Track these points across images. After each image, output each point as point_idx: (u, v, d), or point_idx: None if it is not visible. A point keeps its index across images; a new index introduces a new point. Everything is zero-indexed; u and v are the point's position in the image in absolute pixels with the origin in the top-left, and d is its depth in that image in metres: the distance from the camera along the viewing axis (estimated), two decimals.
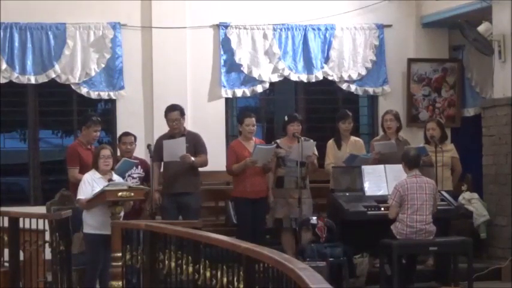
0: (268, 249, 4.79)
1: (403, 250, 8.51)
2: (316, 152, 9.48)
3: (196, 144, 9.25)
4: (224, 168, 9.60)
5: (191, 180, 9.21)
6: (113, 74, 10.80)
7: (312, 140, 9.39)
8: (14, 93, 10.90)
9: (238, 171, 9.24)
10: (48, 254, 7.93)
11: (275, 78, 11.26)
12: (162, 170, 9.29)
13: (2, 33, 10.48)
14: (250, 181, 9.21)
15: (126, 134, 9.50)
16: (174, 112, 9.24)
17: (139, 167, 9.27)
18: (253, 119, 9.43)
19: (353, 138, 9.81)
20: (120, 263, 7.09)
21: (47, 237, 7.94)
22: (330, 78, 11.38)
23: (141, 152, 9.77)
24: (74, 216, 8.12)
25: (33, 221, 7.75)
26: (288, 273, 4.10)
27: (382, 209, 8.79)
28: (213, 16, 11.15)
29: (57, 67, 10.62)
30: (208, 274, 5.60)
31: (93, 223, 8.08)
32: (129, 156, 9.17)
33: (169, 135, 9.25)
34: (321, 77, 11.35)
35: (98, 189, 7.98)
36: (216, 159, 9.92)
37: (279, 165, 9.35)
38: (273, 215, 9.32)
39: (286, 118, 9.52)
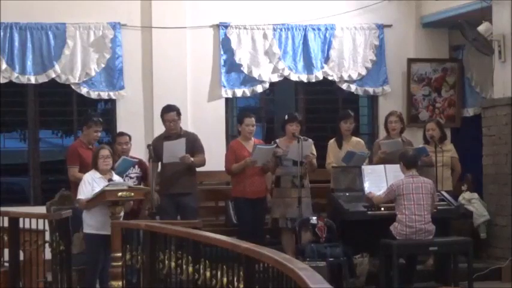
0: (268, 249, 4.79)
1: (403, 250, 8.52)
2: (314, 152, 9.47)
3: (193, 144, 9.26)
4: (224, 168, 9.59)
5: (189, 181, 9.23)
6: (113, 74, 10.79)
7: (310, 140, 9.38)
8: (14, 93, 10.90)
9: (237, 171, 9.24)
10: (48, 254, 7.94)
11: (275, 78, 11.26)
12: (159, 170, 9.28)
13: (2, 33, 10.47)
14: (249, 181, 9.21)
15: (121, 134, 9.52)
16: (171, 113, 9.24)
17: (136, 166, 9.27)
18: (253, 119, 9.44)
19: (354, 138, 9.82)
20: (120, 263, 7.09)
21: (47, 237, 7.95)
22: (330, 78, 11.38)
23: (140, 152, 9.77)
24: (74, 216, 8.13)
25: (33, 221, 7.75)
26: (288, 273, 4.10)
27: (382, 209, 8.80)
28: (213, 16, 11.14)
29: (57, 67, 10.62)
30: (208, 274, 5.60)
31: (93, 223, 8.08)
32: (125, 156, 9.17)
33: (166, 136, 9.25)
34: (321, 77, 11.35)
35: (98, 189, 7.98)
36: (216, 159, 9.91)
37: (277, 164, 9.36)
38: (271, 215, 9.33)
39: (286, 117, 9.51)
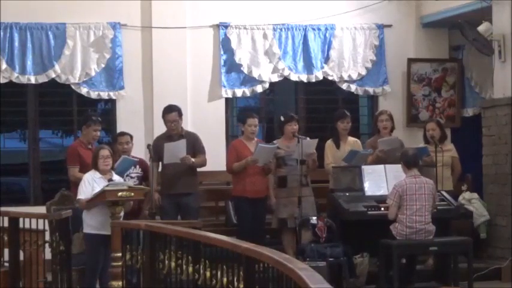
0: (268, 249, 4.80)
1: (403, 250, 8.51)
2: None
3: (195, 145, 9.26)
4: (224, 168, 9.58)
5: (190, 181, 9.22)
6: (113, 74, 10.79)
7: (308, 138, 9.35)
8: (14, 93, 10.90)
9: (238, 170, 9.23)
10: (48, 254, 7.94)
11: (275, 78, 11.26)
12: (160, 170, 9.29)
13: (2, 33, 10.47)
14: (250, 180, 9.19)
15: (122, 133, 9.51)
16: (172, 113, 9.24)
17: (137, 166, 9.26)
18: (256, 119, 9.43)
19: (351, 138, 9.80)
20: (120, 263, 7.09)
21: (47, 237, 7.94)
22: (330, 78, 11.39)
23: (140, 151, 9.76)
24: (74, 216, 8.12)
25: (33, 221, 7.75)
26: (288, 273, 4.11)
27: (382, 209, 8.78)
28: (213, 16, 11.15)
29: (57, 67, 10.62)
30: (208, 274, 5.60)
31: (93, 223, 8.08)
32: (126, 155, 9.16)
33: (167, 136, 9.25)
34: (321, 77, 11.35)
35: (98, 189, 7.98)
36: (216, 159, 9.92)
37: (279, 165, 9.35)
38: (277, 215, 9.29)
39: (282, 118, 9.50)
